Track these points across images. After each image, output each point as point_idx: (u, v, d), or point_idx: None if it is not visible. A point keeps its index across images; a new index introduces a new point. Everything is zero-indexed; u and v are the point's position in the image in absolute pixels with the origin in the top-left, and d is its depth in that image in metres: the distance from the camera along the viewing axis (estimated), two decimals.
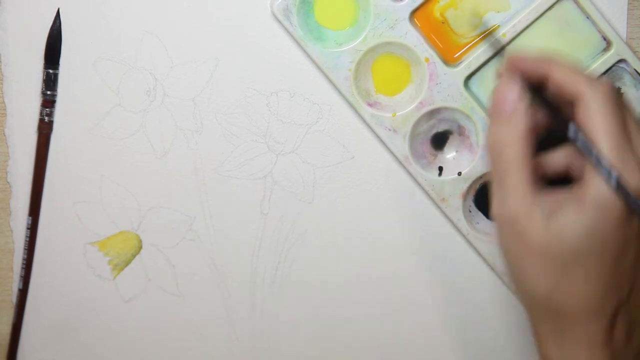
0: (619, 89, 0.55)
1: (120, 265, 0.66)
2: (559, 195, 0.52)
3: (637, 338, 0.53)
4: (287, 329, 0.68)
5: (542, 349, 0.53)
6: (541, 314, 0.52)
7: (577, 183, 0.51)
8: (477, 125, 0.65)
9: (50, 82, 0.64)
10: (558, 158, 0.55)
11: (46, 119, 0.64)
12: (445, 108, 0.65)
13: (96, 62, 0.64)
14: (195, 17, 0.64)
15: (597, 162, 0.50)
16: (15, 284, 0.66)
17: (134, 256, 0.66)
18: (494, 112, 0.54)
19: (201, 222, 0.66)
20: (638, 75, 0.65)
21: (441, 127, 0.66)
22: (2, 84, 0.64)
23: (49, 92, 0.64)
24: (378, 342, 0.68)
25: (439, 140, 0.67)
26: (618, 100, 0.52)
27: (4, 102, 0.65)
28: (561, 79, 0.53)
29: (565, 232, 0.50)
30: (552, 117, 0.53)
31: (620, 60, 0.65)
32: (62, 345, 0.67)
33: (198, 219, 0.66)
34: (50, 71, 0.64)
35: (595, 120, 0.51)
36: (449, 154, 0.67)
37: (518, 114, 0.53)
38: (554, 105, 0.53)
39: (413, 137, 0.65)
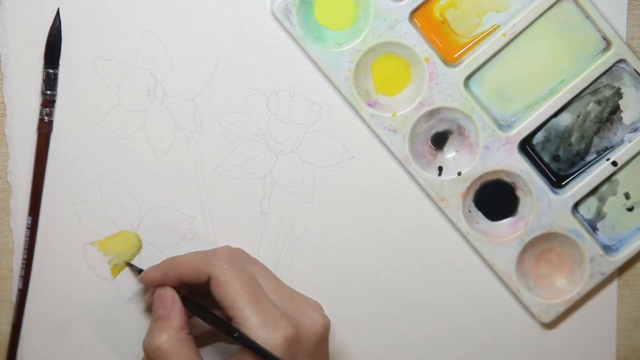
0: (237, 252, 0.63)
1: (120, 265, 0.66)
2: None
3: None
4: None
5: None
6: None
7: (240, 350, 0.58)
8: (477, 125, 0.65)
9: (50, 82, 0.64)
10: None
11: (46, 118, 0.64)
12: (445, 108, 0.65)
13: (96, 62, 0.64)
14: (195, 17, 0.64)
15: (240, 338, 0.57)
16: (15, 284, 0.66)
17: (133, 256, 0.66)
18: (153, 316, 0.61)
19: (201, 222, 0.66)
20: (638, 75, 0.65)
21: (441, 127, 0.66)
22: (2, 84, 0.64)
23: (49, 92, 0.64)
24: (378, 341, 0.68)
25: (439, 140, 0.67)
26: (236, 259, 0.60)
27: (4, 102, 0.65)
28: (188, 272, 0.60)
29: None
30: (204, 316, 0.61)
31: (620, 60, 0.65)
32: (62, 345, 0.67)
33: (198, 219, 0.66)
34: (50, 71, 0.64)
35: (227, 287, 0.58)
36: (449, 154, 0.67)
37: (173, 313, 0.60)
38: (198, 306, 0.61)
39: (413, 137, 0.65)
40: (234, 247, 0.63)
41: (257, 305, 0.58)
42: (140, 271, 0.64)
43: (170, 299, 0.61)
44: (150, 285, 0.62)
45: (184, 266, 0.61)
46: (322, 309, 0.61)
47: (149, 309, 0.65)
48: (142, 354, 0.60)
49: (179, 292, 0.61)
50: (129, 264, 0.66)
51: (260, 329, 0.57)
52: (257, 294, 0.58)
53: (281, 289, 0.61)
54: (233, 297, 0.58)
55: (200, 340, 0.63)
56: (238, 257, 0.61)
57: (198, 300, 0.61)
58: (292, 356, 0.57)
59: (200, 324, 0.62)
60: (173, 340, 0.58)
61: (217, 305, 0.59)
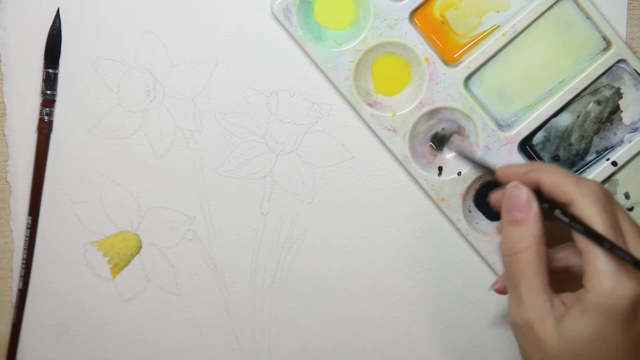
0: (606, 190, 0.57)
1: (120, 265, 0.66)
2: (566, 298, 0.54)
3: None
4: (287, 328, 0.68)
5: None
6: None
7: (581, 289, 0.53)
8: (477, 125, 0.65)
9: (50, 82, 0.64)
10: (559, 257, 0.58)
11: (46, 118, 0.64)
12: (445, 108, 0.65)
13: (96, 62, 0.64)
14: (195, 17, 0.64)
15: (611, 248, 0.52)
16: (15, 284, 0.66)
17: (133, 256, 0.66)
18: (507, 217, 0.55)
19: (201, 222, 0.66)
20: (638, 75, 0.65)
21: (441, 127, 0.66)
22: (2, 84, 0.64)
23: (48, 92, 0.64)
24: (378, 341, 0.68)
25: (439, 140, 0.67)
26: (607, 199, 0.54)
27: (4, 102, 0.65)
28: (552, 184, 0.55)
29: (575, 337, 0.53)
30: (560, 219, 0.55)
31: (620, 60, 0.65)
32: (62, 345, 0.67)
33: (198, 219, 0.66)
34: (50, 71, 0.64)
35: (589, 222, 0.53)
36: (449, 154, 0.67)
37: (531, 219, 0.55)
38: (559, 205, 0.55)
39: (413, 137, 0.65)
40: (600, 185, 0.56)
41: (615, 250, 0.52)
42: (485, 168, 0.60)
43: (537, 226, 0.55)
44: (507, 180, 0.56)
45: (551, 175, 0.55)
46: None
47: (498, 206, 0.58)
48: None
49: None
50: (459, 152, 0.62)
51: (612, 273, 0.52)
52: (619, 238, 0.53)
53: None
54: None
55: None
56: (608, 198, 0.55)
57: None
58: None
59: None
60: (545, 313, 0.54)
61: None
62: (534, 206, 0.55)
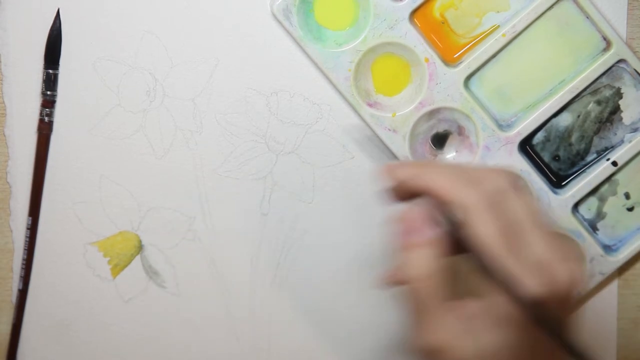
0: (517, 176, 0.52)
1: (120, 265, 0.66)
2: (472, 308, 0.50)
3: None
4: (287, 328, 0.68)
5: None
6: None
7: (487, 296, 0.49)
8: (477, 125, 0.65)
9: (50, 82, 0.64)
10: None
11: (46, 119, 0.64)
12: (445, 108, 0.65)
13: (96, 62, 0.64)
14: (195, 17, 0.64)
15: (492, 276, 0.49)
16: (15, 284, 0.66)
17: (133, 256, 0.66)
18: (402, 241, 0.51)
19: (201, 222, 0.66)
20: (638, 75, 0.65)
21: (441, 127, 0.66)
22: (2, 84, 0.64)
23: (49, 92, 0.64)
24: (378, 342, 0.68)
25: (439, 140, 0.67)
26: (505, 196, 0.49)
27: (4, 102, 0.65)
28: (441, 191, 0.50)
29: (491, 349, 0.49)
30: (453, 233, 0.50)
31: (620, 60, 0.65)
32: (62, 345, 0.67)
33: (198, 219, 0.66)
34: (50, 71, 0.64)
35: (477, 230, 0.49)
36: (449, 154, 0.67)
37: (428, 241, 0.50)
38: (455, 222, 0.50)
39: (413, 137, 0.65)
40: (507, 173, 0.52)
41: (512, 258, 0.48)
42: None
43: (426, 230, 0.50)
44: (394, 181, 0.52)
45: (440, 179, 0.50)
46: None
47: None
48: None
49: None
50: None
51: (521, 279, 0.48)
52: (514, 244, 0.49)
53: (545, 232, 0.50)
54: (485, 246, 0.49)
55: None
56: (504, 195, 0.50)
57: None
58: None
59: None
60: (433, 274, 0.49)
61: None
62: (431, 227, 0.50)
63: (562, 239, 0.51)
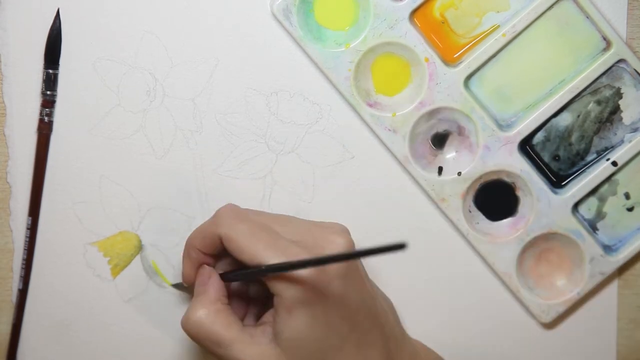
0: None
1: (120, 265, 0.66)
2: (267, 318, 0.59)
3: None
4: None
5: None
6: None
7: (275, 298, 0.57)
8: (477, 125, 0.65)
9: (50, 82, 0.64)
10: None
11: (46, 119, 0.64)
12: (445, 108, 0.65)
13: (96, 62, 0.64)
14: (195, 17, 0.64)
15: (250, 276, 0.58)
16: (15, 284, 0.66)
17: (133, 256, 0.66)
18: (194, 293, 0.60)
19: (201, 222, 0.66)
20: (638, 75, 0.65)
21: (441, 127, 0.66)
22: (2, 84, 0.64)
23: (48, 92, 0.64)
24: None
25: (439, 140, 0.67)
26: (243, 217, 0.58)
27: (4, 102, 0.65)
28: (203, 244, 0.59)
29: (294, 335, 0.56)
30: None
31: (620, 60, 0.65)
32: (62, 345, 0.67)
33: (198, 219, 0.66)
34: (50, 71, 0.64)
35: (238, 240, 0.57)
36: (449, 154, 0.67)
37: (210, 286, 0.59)
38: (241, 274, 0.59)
39: (413, 137, 0.65)
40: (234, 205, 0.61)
41: (273, 247, 0.56)
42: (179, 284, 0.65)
43: (206, 275, 0.60)
44: (192, 281, 0.61)
45: (196, 240, 0.60)
46: (346, 232, 0.58)
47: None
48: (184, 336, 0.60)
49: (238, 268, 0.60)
50: (175, 285, 0.66)
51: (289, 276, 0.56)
52: (270, 237, 0.57)
53: (295, 225, 0.59)
54: (247, 248, 0.56)
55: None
56: (242, 211, 0.59)
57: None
58: (323, 284, 0.56)
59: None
60: (210, 312, 0.58)
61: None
62: (213, 277, 0.59)
63: (317, 225, 0.59)
